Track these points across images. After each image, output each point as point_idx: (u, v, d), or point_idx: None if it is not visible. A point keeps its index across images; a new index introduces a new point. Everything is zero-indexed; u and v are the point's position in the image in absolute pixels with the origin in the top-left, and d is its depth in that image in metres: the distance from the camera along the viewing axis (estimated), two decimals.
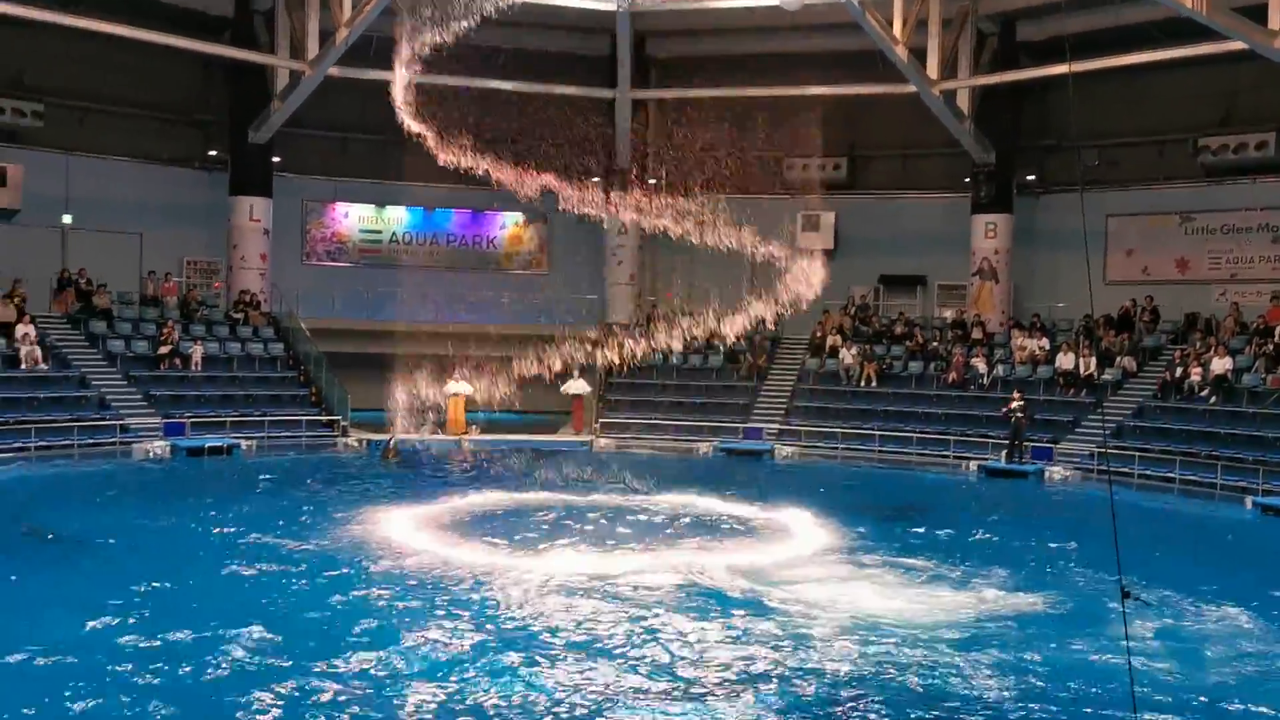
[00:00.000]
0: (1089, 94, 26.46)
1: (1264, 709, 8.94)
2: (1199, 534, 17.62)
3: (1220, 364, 23.09)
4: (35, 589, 11.90)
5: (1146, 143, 28.04)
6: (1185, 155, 27.24)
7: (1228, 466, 20.75)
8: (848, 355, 27.77)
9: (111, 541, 14.45)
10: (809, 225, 30.51)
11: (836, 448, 25.35)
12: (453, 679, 9.16)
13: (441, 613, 11.17)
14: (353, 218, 31.98)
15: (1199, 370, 23.35)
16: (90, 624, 10.34)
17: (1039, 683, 9.37)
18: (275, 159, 29.07)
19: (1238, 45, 21.78)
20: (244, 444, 23.63)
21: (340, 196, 31.63)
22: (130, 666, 9.21)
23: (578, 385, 27.42)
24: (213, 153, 29.13)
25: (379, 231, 32.23)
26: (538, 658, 9.74)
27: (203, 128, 29.34)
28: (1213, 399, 22.84)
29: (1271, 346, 23.12)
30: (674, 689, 9.05)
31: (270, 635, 10.10)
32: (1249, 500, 19.36)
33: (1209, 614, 11.76)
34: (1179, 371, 23.77)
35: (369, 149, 30.67)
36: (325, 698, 8.65)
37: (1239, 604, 12.03)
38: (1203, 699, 9.08)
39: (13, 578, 12.24)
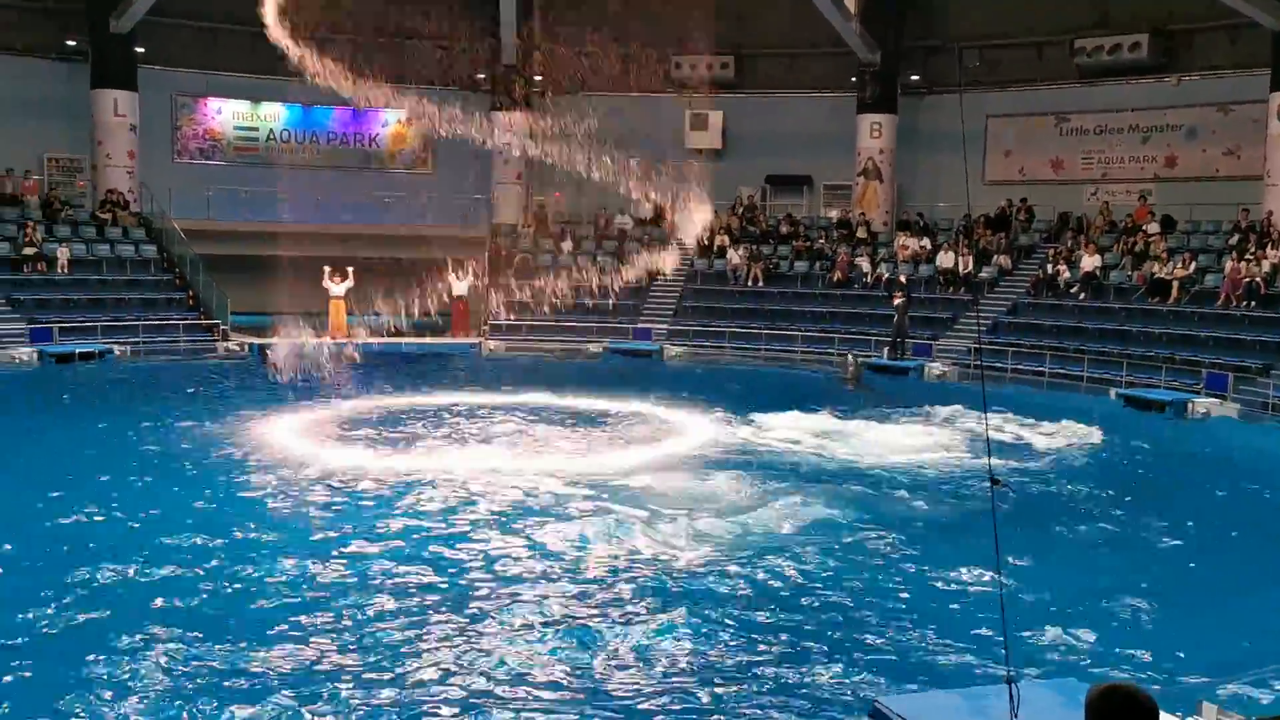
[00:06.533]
0: None
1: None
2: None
3: (1090, 261, 23.95)
4: None
5: (1026, 44, 28.48)
6: (1062, 56, 27.77)
7: (1094, 360, 21.68)
8: (735, 255, 27.98)
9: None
10: (697, 125, 30.38)
11: (724, 347, 25.71)
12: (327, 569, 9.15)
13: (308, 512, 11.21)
14: (227, 114, 30.68)
15: (1064, 268, 24.21)
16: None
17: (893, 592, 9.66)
18: (139, 49, 27.58)
19: None
20: (117, 350, 22.85)
21: (213, 91, 30.25)
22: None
23: (460, 286, 27.10)
24: (71, 43, 27.46)
25: (255, 129, 31.02)
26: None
27: (59, 15, 27.58)
28: (1082, 295, 23.74)
29: (1138, 244, 24.05)
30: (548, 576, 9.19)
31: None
32: (1113, 392, 20.28)
33: None
34: (1051, 269, 24.60)
35: (243, 41, 29.21)
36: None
37: None
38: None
39: None
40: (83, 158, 28.02)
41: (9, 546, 9.74)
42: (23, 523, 10.48)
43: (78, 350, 22.16)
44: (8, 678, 6.98)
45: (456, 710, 6.74)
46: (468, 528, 10.67)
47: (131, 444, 14.45)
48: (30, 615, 7.98)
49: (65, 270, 24.62)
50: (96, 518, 10.71)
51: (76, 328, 23.31)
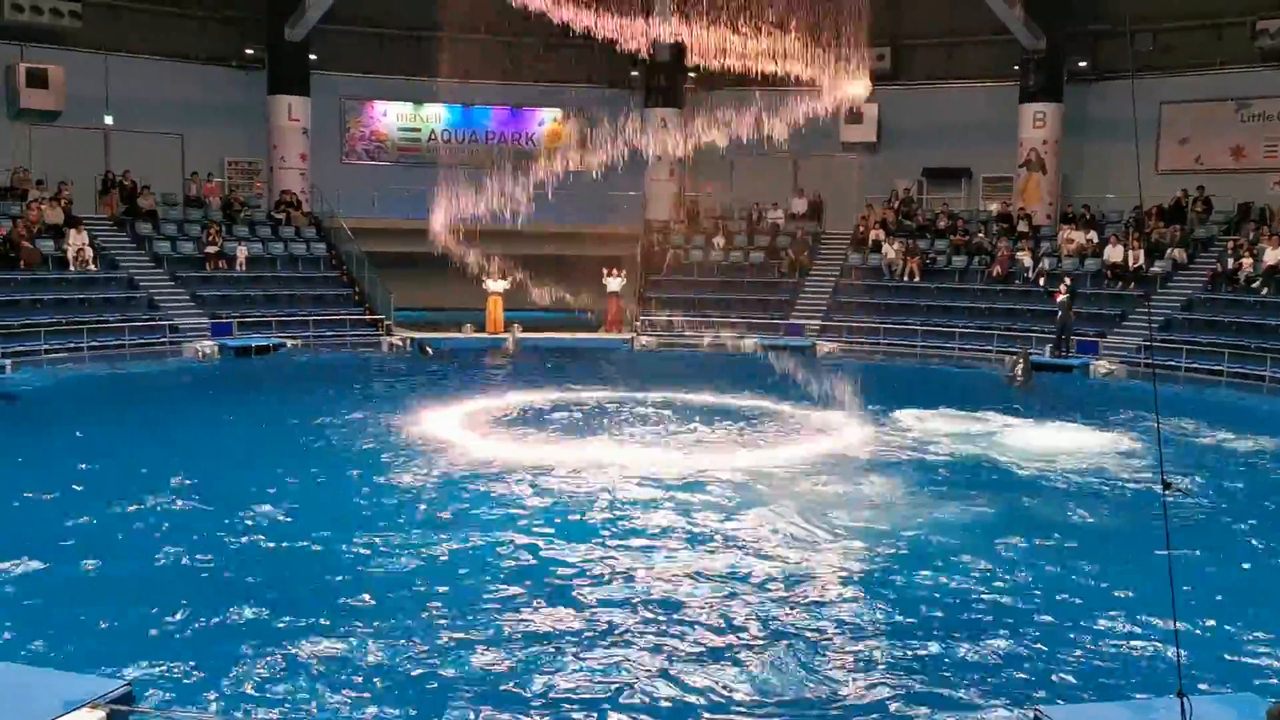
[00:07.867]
0: None
1: None
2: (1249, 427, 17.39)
3: (1273, 254, 22.60)
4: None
5: (1203, 26, 27.07)
6: (1243, 38, 26.30)
7: (1278, 359, 20.46)
8: (890, 250, 27.48)
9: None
10: (851, 118, 29.91)
11: (879, 343, 25.30)
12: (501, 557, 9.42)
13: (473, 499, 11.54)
14: (391, 116, 31.84)
15: (1248, 261, 22.91)
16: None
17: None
18: (312, 57, 28.88)
19: None
20: (290, 343, 23.98)
21: (378, 95, 31.44)
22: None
23: (614, 282, 27.40)
24: (249, 51, 28.97)
25: (417, 129, 32.09)
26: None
27: (238, 25, 29.14)
28: (1264, 290, 22.44)
29: None
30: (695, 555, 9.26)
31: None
32: None
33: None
34: (1230, 263, 23.33)
35: (405, 45, 30.37)
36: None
37: None
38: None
39: None
40: (259, 160, 29.53)
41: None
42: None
43: (254, 344, 23.36)
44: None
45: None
46: (623, 524, 10.83)
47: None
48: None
49: (243, 268, 25.98)
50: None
51: (253, 322, 24.58)
